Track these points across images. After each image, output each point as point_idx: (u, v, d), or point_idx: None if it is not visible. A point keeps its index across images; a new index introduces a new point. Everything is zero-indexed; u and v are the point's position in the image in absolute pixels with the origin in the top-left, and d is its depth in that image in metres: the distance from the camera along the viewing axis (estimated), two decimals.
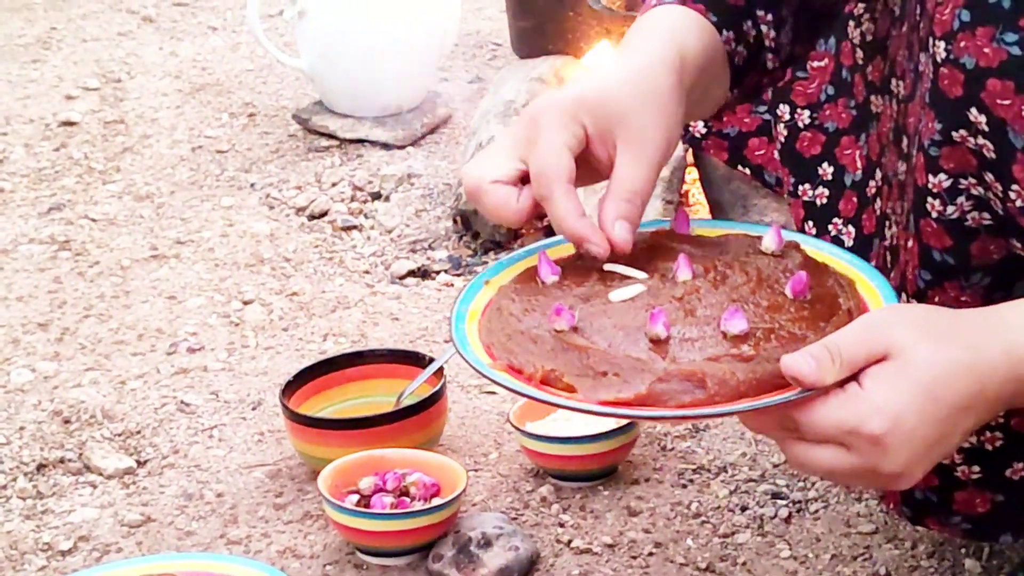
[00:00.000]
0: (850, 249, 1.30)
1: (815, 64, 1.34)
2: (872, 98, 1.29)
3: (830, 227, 1.33)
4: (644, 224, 1.21)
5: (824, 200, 1.34)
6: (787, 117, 1.35)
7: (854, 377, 0.99)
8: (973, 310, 1.06)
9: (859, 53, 1.30)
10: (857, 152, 1.30)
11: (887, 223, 1.26)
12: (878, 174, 1.29)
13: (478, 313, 1.13)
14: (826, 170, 1.34)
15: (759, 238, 1.16)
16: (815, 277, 1.11)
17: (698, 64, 1.17)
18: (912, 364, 0.98)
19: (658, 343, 1.04)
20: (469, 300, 1.14)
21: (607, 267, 1.13)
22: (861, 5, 1.29)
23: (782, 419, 1.01)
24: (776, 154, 1.38)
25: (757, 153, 1.45)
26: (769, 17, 1.24)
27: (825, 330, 1.05)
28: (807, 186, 1.35)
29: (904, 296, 1.19)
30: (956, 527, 1.27)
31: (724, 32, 1.20)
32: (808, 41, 1.29)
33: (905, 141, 1.21)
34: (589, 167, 1.14)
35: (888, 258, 1.25)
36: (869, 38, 1.29)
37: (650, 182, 1.12)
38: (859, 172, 1.30)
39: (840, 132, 1.32)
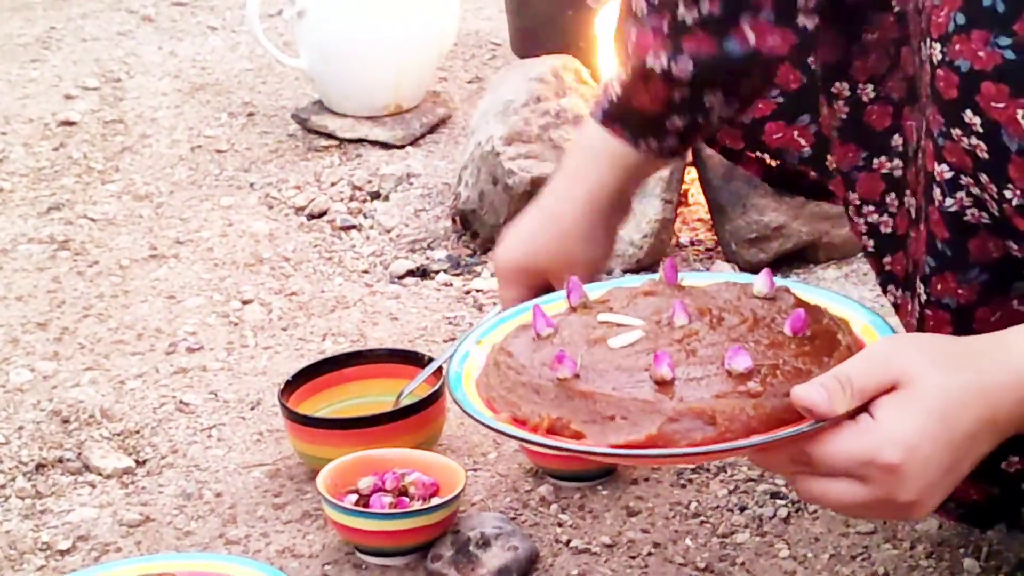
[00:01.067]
0: (914, 220, 1.30)
1: (869, 37, 1.33)
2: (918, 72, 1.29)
3: (905, 199, 1.33)
4: (633, 279, 1.25)
5: (900, 171, 1.33)
6: (847, 93, 1.34)
7: (864, 408, 0.99)
8: (977, 336, 1.06)
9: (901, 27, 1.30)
10: (913, 124, 1.29)
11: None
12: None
13: (474, 371, 1.14)
14: (897, 141, 1.33)
15: (749, 284, 1.17)
16: (811, 316, 1.11)
17: (613, 191, 1.38)
18: (924, 392, 0.98)
19: (664, 384, 1.04)
20: (463, 361, 1.15)
21: (601, 318, 1.14)
22: None
23: (794, 454, 1.00)
24: (834, 132, 1.37)
25: (775, 136, 1.44)
26: (691, 119, 1.35)
27: (828, 365, 1.05)
28: (883, 158, 1.34)
29: (918, 280, 1.19)
30: (951, 512, 1.27)
31: (641, 142, 1.35)
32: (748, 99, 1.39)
33: (923, 119, 1.21)
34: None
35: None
36: (906, 9, 1.29)
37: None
38: (915, 143, 1.30)
39: (902, 103, 1.32)
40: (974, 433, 1.00)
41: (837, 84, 1.35)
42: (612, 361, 1.08)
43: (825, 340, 1.09)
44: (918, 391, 0.98)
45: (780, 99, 1.42)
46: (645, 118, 1.35)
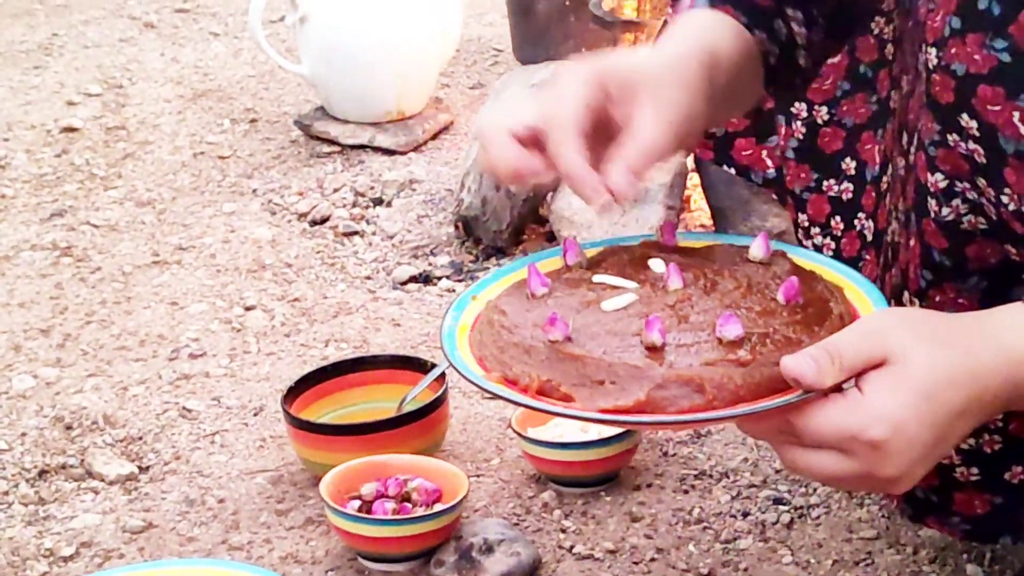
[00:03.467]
0: (870, 243, 1.30)
1: (829, 60, 1.34)
2: (892, 93, 1.29)
3: (855, 222, 1.34)
4: (630, 237, 1.22)
5: (849, 195, 1.35)
6: (804, 114, 1.36)
7: (853, 381, 1.00)
8: (967, 314, 1.06)
9: (889, 48, 1.30)
10: (876, 147, 1.30)
11: (890, 218, 1.27)
12: (890, 169, 1.30)
13: (467, 328, 1.13)
14: (849, 165, 1.34)
15: (745, 247, 1.16)
16: (805, 283, 1.11)
17: (731, 64, 1.18)
18: (912, 370, 0.99)
19: (654, 350, 1.04)
20: (458, 316, 1.14)
21: (596, 279, 1.13)
22: (892, 0, 1.30)
23: (781, 424, 1.01)
24: (791, 152, 1.38)
25: (744, 153, 1.45)
26: (800, 15, 1.24)
27: (819, 334, 1.05)
28: (832, 181, 1.36)
29: (907, 294, 1.20)
30: (956, 527, 1.27)
31: (756, 32, 1.21)
32: (842, 38, 1.29)
33: (905, 137, 1.21)
34: (607, 137, 1.11)
35: (889, 254, 1.25)
36: (897, 34, 1.30)
37: (663, 140, 1.09)
38: (877, 167, 1.30)
39: (859, 127, 1.32)
40: (960, 412, 1.00)
41: (796, 104, 1.36)
42: (604, 324, 1.07)
43: (817, 308, 1.09)
44: (907, 368, 0.99)
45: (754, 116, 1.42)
46: (757, 7, 1.22)
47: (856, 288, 1.13)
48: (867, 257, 1.28)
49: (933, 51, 1.09)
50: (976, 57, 1.07)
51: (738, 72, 1.19)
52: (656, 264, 1.14)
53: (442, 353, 1.10)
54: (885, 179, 1.30)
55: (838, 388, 1.00)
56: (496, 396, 1.06)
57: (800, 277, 1.12)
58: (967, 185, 1.11)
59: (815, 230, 1.37)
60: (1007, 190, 1.08)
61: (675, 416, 1.02)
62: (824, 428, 0.99)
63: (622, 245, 1.20)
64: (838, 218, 1.35)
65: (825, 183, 1.36)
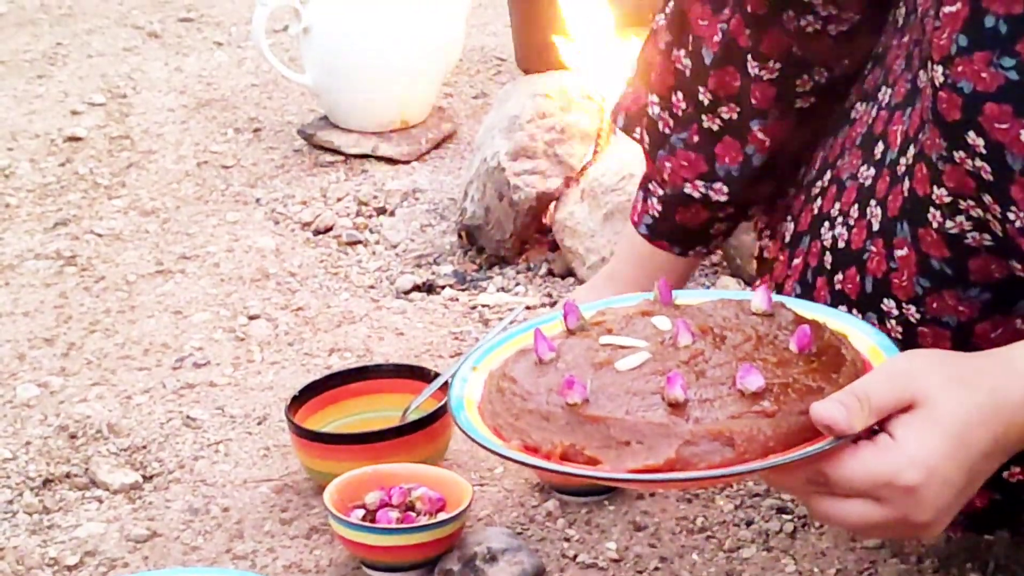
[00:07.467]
0: (876, 232, 1.29)
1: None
2: (858, 105, 1.29)
3: (867, 209, 1.33)
4: (628, 298, 1.22)
5: (870, 181, 1.34)
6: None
7: (881, 427, 0.99)
8: (986, 353, 1.06)
9: (868, 66, 1.31)
10: (900, 128, 1.29)
11: (827, 224, 1.26)
12: (828, 175, 1.29)
13: (475, 400, 1.12)
14: (879, 149, 1.34)
15: (744, 301, 1.15)
16: (814, 331, 1.10)
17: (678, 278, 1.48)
18: (941, 412, 0.98)
19: (677, 407, 1.03)
20: (462, 388, 1.13)
21: (603, 340, 1.12)
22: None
23: (810, 474, 1.00)
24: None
25: None
26: (734, 223, 1.46)
27: (838, 381, 1.04)
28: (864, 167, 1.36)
29: (894, 303, 1.19)
30: (955, 522, 1.27)
31: (691, 252, 1.48)
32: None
33: (881, 147, 1.21)
34: None
35: (830, 259, 1.25)
36: (879, 50, 1.30)
37: None
38: (896, 149, 1.30)
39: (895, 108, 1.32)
40: (988, 452, 1.00)
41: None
42: (622, 384, 1.06)
43: (831, 356, 1.08)
44: (936, 411, 0.98)
45: None
46: (690, 231, 1.45)
47: (860, 334, 1.13)
48: (872, 249, 1.25)
49: (939, 68, 1.09)
50: (983, 75, 1.06)
51: (684, 275, 1.50)
52: (661, 322, 1.13)
53: (458, 426, 1.08)
54: (819, 184, 1.30)
55: (867, 434, 0.99)
56: (524, 464, 1.05)
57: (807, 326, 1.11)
58: (971, 203, 1.11)
59: (838, 220, 1.36)
60: (1013, 207, 1.07)
61: (707, 472, 1.01)
62: (857, 475, 0.98)
63: (619, 307, 1.19)
64: (856, 207, 1.34)
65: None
